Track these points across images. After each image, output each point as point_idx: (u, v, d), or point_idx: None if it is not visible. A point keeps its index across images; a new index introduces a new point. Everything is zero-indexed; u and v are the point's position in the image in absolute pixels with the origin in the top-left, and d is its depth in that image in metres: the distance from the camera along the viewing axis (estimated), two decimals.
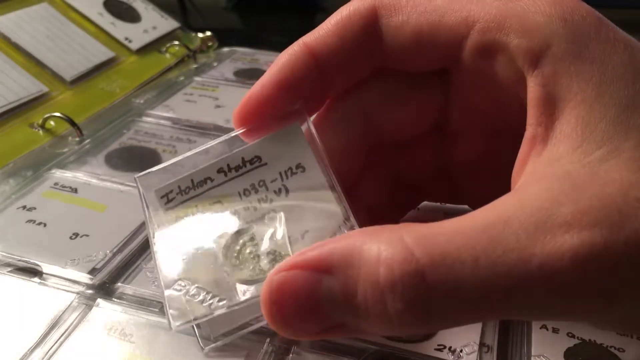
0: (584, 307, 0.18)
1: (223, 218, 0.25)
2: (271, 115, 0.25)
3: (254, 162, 0.25)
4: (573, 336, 0.27)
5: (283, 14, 0.78)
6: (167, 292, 0.23)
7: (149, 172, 0.26)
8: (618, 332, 0.27)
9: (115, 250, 0.32)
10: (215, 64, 0.60)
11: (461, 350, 0.26)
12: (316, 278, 0.19)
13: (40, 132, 0.44)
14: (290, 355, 0.26)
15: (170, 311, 0.23)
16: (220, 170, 0.25)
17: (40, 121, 0.44)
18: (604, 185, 0.18)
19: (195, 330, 0.25)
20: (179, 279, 0.23)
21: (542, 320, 0.27)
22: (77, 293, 0.29)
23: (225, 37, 0.65)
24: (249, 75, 0.57)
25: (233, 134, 0.25)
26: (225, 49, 0.64)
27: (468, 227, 0.18)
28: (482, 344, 0.27)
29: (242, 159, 0.25)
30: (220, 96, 0.52)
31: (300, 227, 0.24)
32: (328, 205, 0.24)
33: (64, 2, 0.58)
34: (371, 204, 0.28)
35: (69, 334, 0.26)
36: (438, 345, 0.26)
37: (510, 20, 0.21)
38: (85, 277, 0.30)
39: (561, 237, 0.17)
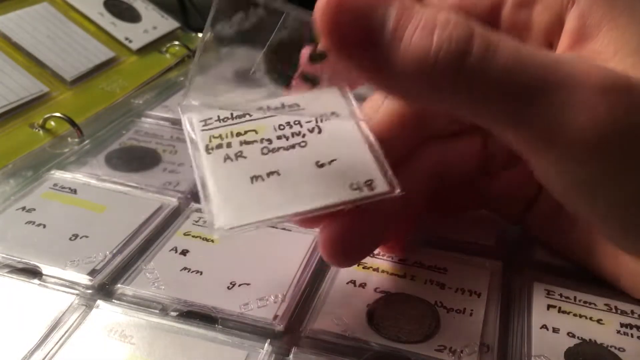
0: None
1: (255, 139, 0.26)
2: None
3: (292, 106, 0.26)
4: (573, 336, 0.27)
5: None
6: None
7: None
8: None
9: (115, 251, 0.32)
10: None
11: (461, 351, 0.26)
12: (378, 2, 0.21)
13: (41, 132, 0.44)
14: (291, 355, 0.26)
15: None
16: (259, 108, 0.26)
17: (40, 121, 0.44)
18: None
19: (210, 218, 0.24)
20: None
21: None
22: (77, 294, 0.29)
23: None
24: None
25: None
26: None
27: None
28: (482, 344, 0.27)
29: (282, 103, 0.26)
30: None
31: (329, 156, 0.25)
32: (357, 145, 0.26)
33: (65, 1, 0.58)
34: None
35: (69, 336, 0.26)
36: (438, 345, 0.26)
37: None
38: (85, 279, 0.30)
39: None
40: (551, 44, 0.25)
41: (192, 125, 0.26)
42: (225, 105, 0.26)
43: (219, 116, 0.26)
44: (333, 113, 0.26)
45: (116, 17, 0.60)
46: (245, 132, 0.26)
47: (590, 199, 0.24)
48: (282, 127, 0.26)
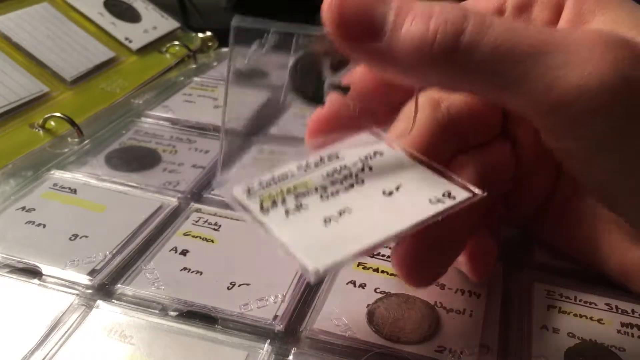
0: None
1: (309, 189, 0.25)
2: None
3: (331, 158, 0.26)
4: (574, 336, 0.27)
5: (283, 14, 0.78)
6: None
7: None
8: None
9: (115, 251, 0.32)
10: (215, 64, 0.60)
11: (461, 352, 0.26)
12: None
13: (41, 132, 0.44)
14: (291, 356, 0.26)
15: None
16: (299, 167, 0.26)
17: (40, 121, 0.44)
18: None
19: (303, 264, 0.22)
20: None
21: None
22: (77, 294, 0.29)
23: (225, 37, 0.65)
24: None
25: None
26: (225, 49, 0.64)
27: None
28: (482, 345, 0.26)
29: (320, 157, 0.26)
30: (219, 96, 0.52)
31: (393, 184, 0.25)
32: (419, 170, 0.25)
33: (65, 1, 0.58)
34: None
35: (69, 336, 0.26)
36: (438, 346, 0.26)
37: None
38: (84, 279, 0.30)
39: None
40: None
41: (237, 201, 0.25)
42: (263, 170, 0.26)
43: (260, 182, 0.25)
44: (377, 152, 0.26)
45: (116, 17, 0.60)
46: (295, 188, 0.25)
47: (596, 164, 0.24)
48: (330, 174, 0.25)
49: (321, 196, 0.24)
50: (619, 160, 0.23)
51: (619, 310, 0.29)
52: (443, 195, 0.24)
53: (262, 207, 0.24)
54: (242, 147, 0.25)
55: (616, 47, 0.21)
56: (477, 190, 0.24)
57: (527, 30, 0.22)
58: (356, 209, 0.23)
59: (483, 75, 0.22)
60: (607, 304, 0.29)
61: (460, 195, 0.24)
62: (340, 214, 0.23)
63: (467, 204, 0.24)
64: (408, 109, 0.27)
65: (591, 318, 0.28)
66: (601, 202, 0.27)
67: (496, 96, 0.23)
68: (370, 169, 0.25)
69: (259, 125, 0.25)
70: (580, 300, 0.29)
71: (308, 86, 0.24)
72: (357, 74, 0.28)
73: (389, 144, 0.27)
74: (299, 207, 0.24)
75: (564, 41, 0.21)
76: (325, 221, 0.23)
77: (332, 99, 0.26)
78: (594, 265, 0.30)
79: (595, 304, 0.29)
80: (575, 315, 0.28)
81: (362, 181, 0.25)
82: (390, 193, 0.24)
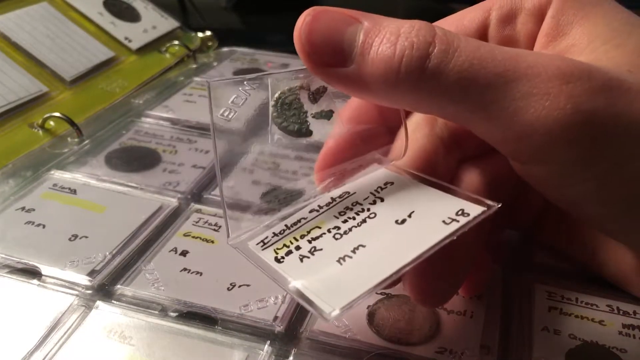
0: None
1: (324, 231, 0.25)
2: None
3: (342, 196, 0.26)
4: (575, 338, 0.27)
5: (283, 13, 0.78)
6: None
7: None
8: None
9: (114, 251, 0.31)
10: (215, 64, 0.60)
11: (462, 353, 0.26)
12: (348, 20, 0.22)
13: (40, 132, 0.44)
14: (291, 357, 0.26)
15: None
16: (311, 211, 0.25)
17: (40, 121, 0.44)
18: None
19: (317, 311, 0.22)
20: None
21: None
22: (77, 295, 0.29)
23: (225, 37, 0.65)
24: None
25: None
26: (225, 49, 0.64)
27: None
28: (482, 347, 0.26)
29: (331, 197, 0.26)
30: None
31: (405, 212, 0.24)
32: (429, 193, 0.25)
33: (64, 1, 0.58)
34: None
35: (68, 337, 0.26)
36: (439, 347, 0.26)
37: None
38: (84, 279, 0.30)
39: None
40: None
41: (251, 253, 0.25)
42: (273, 222, 0.25)
43: (273, 232, 0.25)
44: (386, 183, 0.26)
45: (116, 17, 0.60)
46: (309, 232, 0.24)
47: (564, 189, 0.24)
48: (342, 213, 0.25)
49: (334, 236, 0.24)
50: (586, 188, 0.23)
51: (621, 312, 0.29)
52: (457, 214, 0.23)
53: (276, 260, 0.24)
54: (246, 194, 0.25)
55: (573, 80, 0.21)
56: (491, 203, 0.24)
57: (494, 55, 0.21)
58: (370, 242, 0.23)
59: (450, 100, 0.22)
60: (608, 306, 0.29)
61: (474, 211, 0.23)
62: (355, 250, 0.23)
63: (483, 218, 0.23)
64: (403, 131, 0.27)
65: (592, 319, 0.28)
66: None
67: (463, 121, 0.23)
68: (382, 200, 0.25)
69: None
70: (581, 302, 0.29)
71: (291, 121, 0.24)
72: (353, 102, 0.28)
73: (393, 169, 0.27)
74: (312, 251, 0.24)
75: (528, 70, 0.21)
76: (339, 261, 0.23)
77: (334, 132, 0.26)
78: (593, 268, 0.30)
79: (597, 306, 0.29)
80: (576, 316, 0.28)
81: (375, 215, 0.25)
82: (404, 221, 0.24)
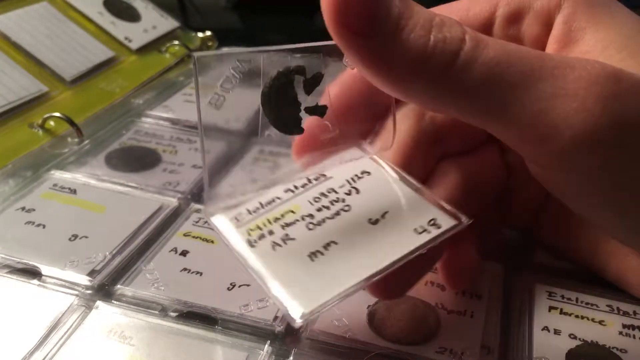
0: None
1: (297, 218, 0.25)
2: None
3: (318, 178, 0.26)
4: (575, 337, 0.27)
5: (283, 13, 0.78)
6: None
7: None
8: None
9: (114, 251, 0.31)
10: (215, 64, 0.60)
11: (462, 353, 0.26)
12: None
13: (40, 132, 0.44)
14: (291, 357, 0.26)
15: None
16: (287, 190, 0.25)
17: (40, 121, 0.44)
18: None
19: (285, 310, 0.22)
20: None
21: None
22: (77, 295, 0.29)
23: (225, 37, 0.65)
24: None
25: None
26: (226, 49, 0.64)
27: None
28: (483, 347, 0.26)
29: (307, 178, 0.26)
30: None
31: (379, 211, 0.25)
32: (405, 193, 0.25)
33: (64, 1, 0.58)
34: None
35: (68, 337, 0.26)
36: (439, 347, 0.26)
37: None
38: (84, 279, 0.29)
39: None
40: None
41: (224, 227, 0.25)
42: (249, 196, 0.25)
43: (248, 209, 0.25)
44: (363, 172, 0.26)
45: (116, 17, 0.60)
46: (283, 216, 0.24)
47: (585, 197, 0.24)
48: (317, 199, 0.25)
49: (308, 226, 0.24)
50: (603, 195, 0.23)
51: (621, 312, 0.29)
52: (429, 223, 0.24)
53: (249, 242, 0.24)
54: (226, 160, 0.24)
55: (602, 81, 0.20)
56: (463, 218, 0.24)
57: (520, 54, 0.21)
58: (342, 240, 0.23)
59: (470, 98, 0.22)
60: (608, 306, 0.29)
61: (446, 223, 0.24)
62: (327, 247, 0.23)
63: (453, 232, 0.24)
64: (391, 121, 0.27)
65: (593, 319, 0.28)
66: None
67: (479, 121, 0.23)
68: (358, 191, 0.25)
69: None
70: (581, 302, 0.29)
71: (283, 115, 0.23)
72: (344, 79, 0.27)
73: (374, 158, 0.27)
74: (285, 239, 0.24)
75: (555, 71, 0.21)
76: (310, 256, 0.23)
77: (308, 122, 0.25)
78: (592, 268, 0.30)
79: (597, 306, 0.29)
80: (576, 316, 0.28)
81: (349, 207, 0.25)
82: (377, 221, 0.24)
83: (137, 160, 0.41)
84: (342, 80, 0.27)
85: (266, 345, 0.26)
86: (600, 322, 0.28)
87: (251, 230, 0.24)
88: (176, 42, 0.61)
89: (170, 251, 0.32)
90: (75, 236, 0.32)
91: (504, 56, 0.21)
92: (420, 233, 0.23)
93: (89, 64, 0.52)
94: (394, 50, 0.21)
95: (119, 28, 0.59)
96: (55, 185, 0.37)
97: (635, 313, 0.29)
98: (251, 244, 0.24)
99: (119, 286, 0.29)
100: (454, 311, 0.28)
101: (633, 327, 0.28)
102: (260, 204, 0.25)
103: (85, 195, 0.36)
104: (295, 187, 0.25)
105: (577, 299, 0.29)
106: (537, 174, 0.25)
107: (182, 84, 0.54)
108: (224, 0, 0.84)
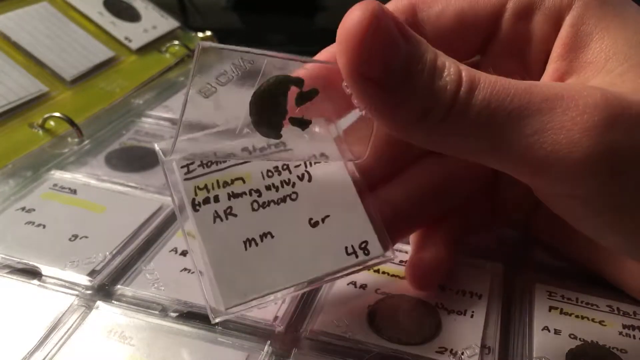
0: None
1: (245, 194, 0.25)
2: None
3: (278, 145, 0.25)
4: (575, 337, 0.27)
5: (283, 13, 0.78)
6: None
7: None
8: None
9: (114, 252, 0.31)
10: (215, 64, 0.60)
11: (462, 353, 0.26)
12: (402, 33, 0.21)
13: (40, 132, 0.44)
14: (291, 357, 0.26)
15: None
16: (244, 149, 0.25)
17: (40, 121, 0.44)
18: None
19: (207, 301, 0.24)
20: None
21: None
22: (77, 295, 0.29)
23: (225, 37, 0.65)
24: None
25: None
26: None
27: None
28: (483, 346, 0.26)
29: (268, 143, 0.25)
30: None
31: (321, 212, 0.25)
32: (350, 197, 0.26)
33: (64, 1, 0.58)
34: (399, 203, 0.28)
35: (69, 337, 0.26)
36: (439, 347, 0.26)
37: None
38: (84, 279, 0.29)
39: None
40: (549, 54, 0.25)
41: (173, 173, 0.25)
42: (208, 150, 0.25)
43: (202, 161, 0.25)
44: (322, 154, 0.26)
45: (116, 17, 0.60)
46: (232, 182, 0.25)
47: (588, 220, 0.24)
48: (270, 173, 0.25)
49: (252, 204, 0.25)
50: (609, 219, 0.23)
51: (621, 312, 0.29)
52: (360, 245, 0.25)
53: (194, 203, 0.24)
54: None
55: (589, 111, 0.20)
56: (388, 253, 0.25)
57: (509, 91, 0.21)
58: (279, 234, 0.24)
59: (466, 138, 0.22)
60: (608, 306, 0.29)
61: (374, 251, 0.25)
62: (262, 237, 0.24)
63: (376, 263, 0.25)
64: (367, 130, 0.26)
65: (593, 319, 0.28)
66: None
67: (476, 158, 0.23)
68: (310, 179, 0.26)
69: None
70: (581, 302, 0.29)
71: (266, 118, 0.23)
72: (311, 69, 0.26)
73: (339, 151, 0.26)
74: (227, 213, 0.24)
75: (542, 105, 0.21)
76: (245, 244, 0.24)
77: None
78: (591, 268, 0.30)
79: (597, 306, 0.29)
80: (576, 316, 0.28)
81: (296, 196, 0.25)
82: (316, 224, 0.25)
83: (137, 160, 0.41)
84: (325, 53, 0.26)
85: (266, 345, 0.26)
86: (601, 322, 0.28)
87: (199, 189, 0.24)
88: (176, 42, 0.61)
89: (170, 251, 0.32)
90: (75, 236, 0.32)
91: (494, 96, 0.21)
92: (349, 254, 0.25)
93: (89, 64, 0.52)
94: (402, 98, 0.21)
95: (119, 28, 0.59)
96: (55, 185, 0.37)
97: (635, 313, 0.29)
98: (195, 206, 0.24)
99: (119, 286, 0.29)
100: (454, 311, 0.28)
101: (633, 328, 0.28)
102: (215, 154, 0.24)
103: (85, 196, 0.36)
104: (253, 149, 0.25)
105: (577, 299, 0.29)
106: (543, 200, 0.25)
107: (182, 84, 0.54)
108: (224, 0, 0.84)
